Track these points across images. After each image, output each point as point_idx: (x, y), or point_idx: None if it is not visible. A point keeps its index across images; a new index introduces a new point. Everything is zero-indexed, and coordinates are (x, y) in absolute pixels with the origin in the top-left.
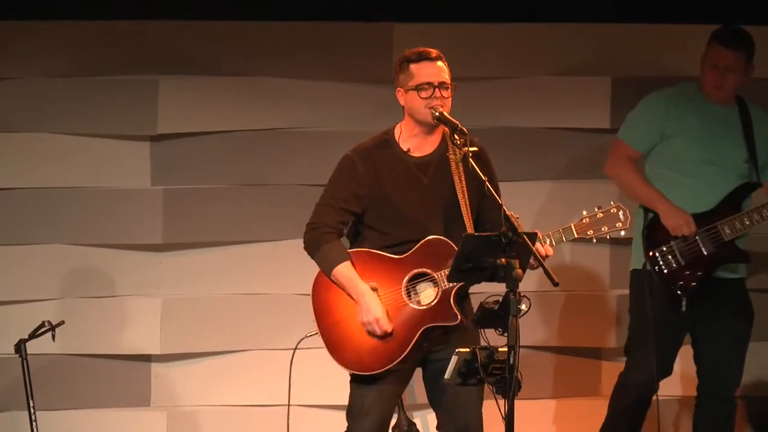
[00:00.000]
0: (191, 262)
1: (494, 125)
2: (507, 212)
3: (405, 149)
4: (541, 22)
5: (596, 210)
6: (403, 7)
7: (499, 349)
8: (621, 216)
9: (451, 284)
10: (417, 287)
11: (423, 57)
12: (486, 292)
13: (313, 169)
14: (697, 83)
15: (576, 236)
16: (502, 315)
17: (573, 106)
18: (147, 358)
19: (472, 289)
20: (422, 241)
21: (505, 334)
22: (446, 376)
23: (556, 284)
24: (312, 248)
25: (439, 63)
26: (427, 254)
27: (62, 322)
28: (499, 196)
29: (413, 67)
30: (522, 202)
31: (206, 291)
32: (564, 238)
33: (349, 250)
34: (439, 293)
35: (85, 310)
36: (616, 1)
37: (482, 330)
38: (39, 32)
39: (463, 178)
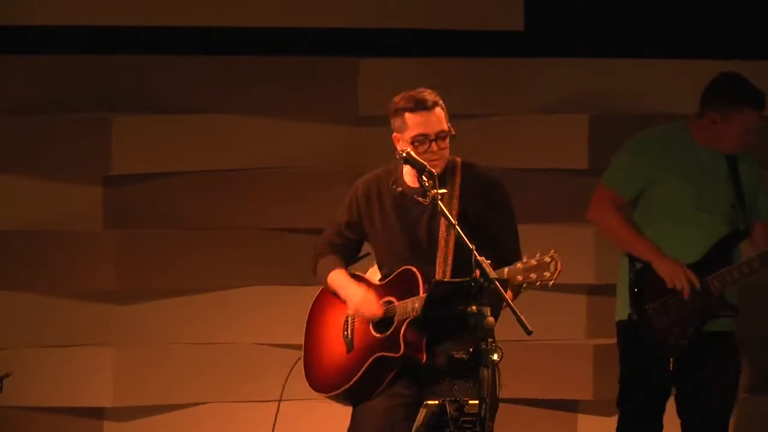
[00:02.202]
0: (146, 310)
1: None
2: (478, 257)
3: (403, 181)
4: (515, 56)
5: (535, 256)
6: (370, 41)
7: (470, 402)
8: (551, 267)
9: (407, 316)
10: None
11: (419, 106)
12: None
13: (277, 212)
14: (683, 124)
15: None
16: (473, 365)
17: (548, 145)
18: (99, 413)
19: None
20: (398, 270)
21: (476, 386)
22: (413, 430)
23: (529, 333)
24: (313, 268)
25: (437, 110)
26: (397, 283)
27: (9, 374)
28: (513, 235)
29: (408, 117)
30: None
31: (162, 340)
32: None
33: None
34: (395, 323)
35: (34, 361)
36: (592, 36)
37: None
38: None
39: (454, 216)
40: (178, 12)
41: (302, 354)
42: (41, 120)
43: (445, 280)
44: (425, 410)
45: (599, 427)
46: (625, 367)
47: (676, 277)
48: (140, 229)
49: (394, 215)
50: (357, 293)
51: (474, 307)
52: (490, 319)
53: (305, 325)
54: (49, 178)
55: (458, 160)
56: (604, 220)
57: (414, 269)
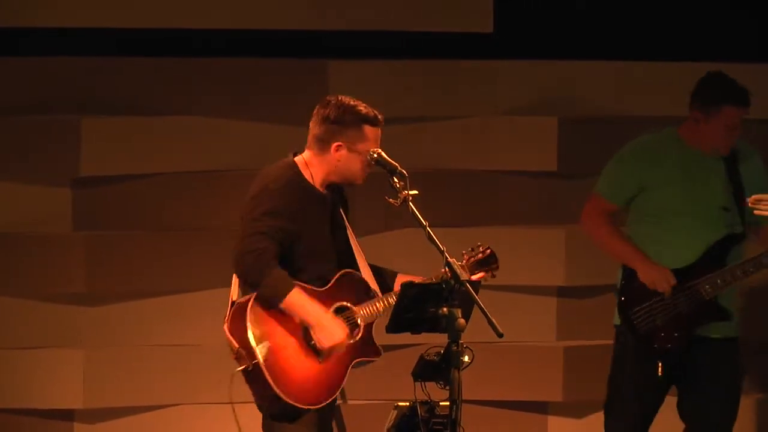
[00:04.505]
0: (116, 311)
1: (434, 168)
2: (449, 259)
3: (315, 185)
4: (484, 58)
5: (468, 251)
6: (339, 43)
7: (441, 404)
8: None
9: (373, 319)
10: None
11: (379, 122)
12: (427, 343)
13: None
14: (675, 129)
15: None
16: (443, 367)
17: (518, 148)
18: (70, 415)
19: (413, 339)
20: (338, 274)
21: (447, 388)
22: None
23: (500, 335)
24: (256, 275)
25: None
26: (344, 288)
27: None
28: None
29: (368, 130)
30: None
31: (133, 342)
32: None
33: None
34: (362, 328)
35: (3, 363)
36: (562, 38)
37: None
38: None
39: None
40: (147, 14)
41: (261, 364)
42: (9, 122)
43: (415, 282)
44: (396, 411)
45: (569, 429)
46: (614, 372)
47: (656, 280)
48: (110, 231)
49: (320, 218)
50: (337, 325)
51: (445, 309)
52: (461, 320)
53: (253, 332)
54: (18, 180)
55: None
56: (594, 229)
57: (356, 272)
